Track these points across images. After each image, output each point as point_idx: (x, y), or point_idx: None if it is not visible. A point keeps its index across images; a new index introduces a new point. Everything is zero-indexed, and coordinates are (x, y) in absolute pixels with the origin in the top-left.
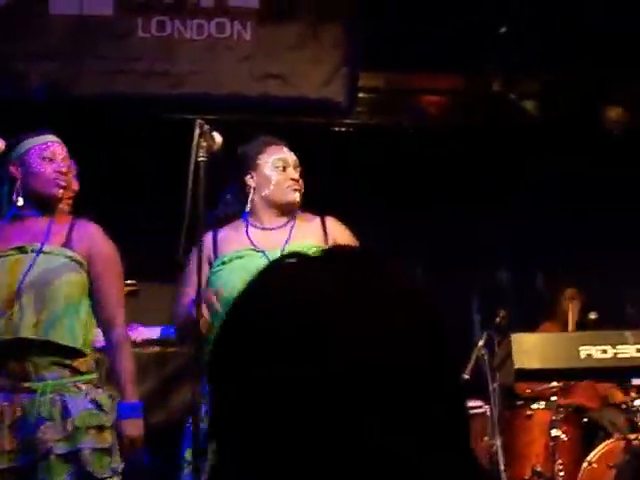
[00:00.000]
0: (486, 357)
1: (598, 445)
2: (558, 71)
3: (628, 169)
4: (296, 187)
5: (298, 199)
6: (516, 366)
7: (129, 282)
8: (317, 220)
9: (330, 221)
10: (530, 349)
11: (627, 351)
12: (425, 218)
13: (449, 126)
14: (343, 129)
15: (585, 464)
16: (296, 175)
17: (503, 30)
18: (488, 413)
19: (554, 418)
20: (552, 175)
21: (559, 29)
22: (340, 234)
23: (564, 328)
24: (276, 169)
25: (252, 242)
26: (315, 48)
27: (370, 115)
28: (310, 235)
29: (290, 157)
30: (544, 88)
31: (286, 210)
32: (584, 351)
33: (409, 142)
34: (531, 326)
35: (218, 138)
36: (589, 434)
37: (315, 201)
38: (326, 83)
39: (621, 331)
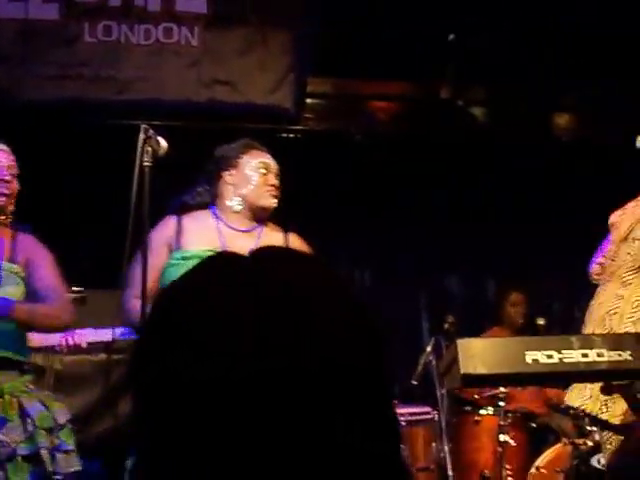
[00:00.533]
0: (434, 363)
1: (546, 450)
2: (507, 78)
3: (577, 175)
4: (274, 193)
5: (274, 205)
6: (462, 371)
7: (76, 289)
8: (281, 234)
9: (293, 237)
10: (476, 354)
11: (573, 356)
12: (374, 224)
13: (398, 133)
14: (291, 135)
15: (533, 469)
16: (276, 182)
17: (452, 37)
18: (436, 419)
19: (502, 423)
20: (501, 181)
21: (507, 36)
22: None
23: (511, 333)
24: (258, 171)
25: (223, 243)
26: (263, 54)
27: (318, 121)
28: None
29: (273, 164)
30: (492, 95)
31: (259, 214)
32: (530, 356)
33: (357, 148)
34: (480, 332)
35: (163, 143)
36: (537, 439)
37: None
38: (274, 89)
39: (567, 336)
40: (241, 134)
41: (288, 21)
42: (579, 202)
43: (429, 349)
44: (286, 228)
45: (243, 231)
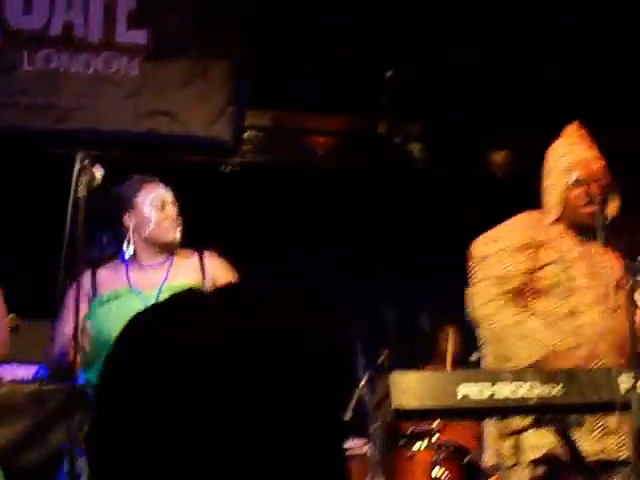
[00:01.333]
0: (367, 397)
1: None
2: (443, 114)
3: (512, 212)
4: (176, 225)
5: (179, 237)
6: (394, 405)
7: (10, 316)
8: (195, 256)
9: (208, 256)
10: (408, 388)
11: (505, 390)
12: (310, 255)
13: (335, 167)
14: (229, 168)
15: None
16: (175, 213)
17: (389, 73)
18: (369, 453)
19: (435, 458)
20: (439, 215)
21: (445, 72)
22: (218, 269)
23: (446, 368)
24: (154, 208)
25: (129, 282)
26: (203, 85)
27: (256, 154)
28: (188, 273)
29: (167, 194)
30: (429, 132)
31: (166, 249)
32: (462, 390)
33: (295, 181)
34: (417, 366)
35: (98, 173)
36: (470, 474)
37: (200, 239)
38: (213, 121)
39: (499, 370)
40: (180, 166)
41: (227, 53)
42: None
43: (363, 383)
44: (200, 249)
45: (151, 266)
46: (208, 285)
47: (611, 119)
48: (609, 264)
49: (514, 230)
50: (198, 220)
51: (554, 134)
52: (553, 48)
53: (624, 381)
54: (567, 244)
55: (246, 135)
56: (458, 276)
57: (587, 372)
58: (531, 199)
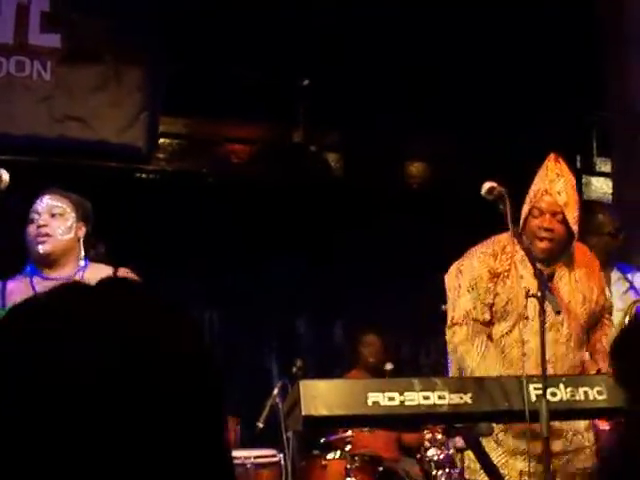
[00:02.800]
0: (280, 406)
1: None
2: (361, 125)
3: (427, 221)
4: (40, 239)
5: (46, 250)
6: (304, 413)
7: None
8: (109, 271)
9: (123, 273)
10: (318, 396)
11: (414, 398)
12: (225, 265)
13: (251, 175)
14: (143, 175)
15: None
16: (42, 224)
17: (306, 82)
18: (282, 462)
19: (349, 467)
20: (348, 224)
21: (362, 83)
22: None
23: (368, 375)
24: (29, 221)
25: (35, 292)
26: (116, 91)
27: (170, 161)
28: None
29: (41, 206)
30: (345, 141)
31: (43, 262)
32: (372, 398)
33: (210, 190)
34: (329, 375)
35: (5, 176)
36: None
37: (113, 245)
38: (126, 127)
39: (409, 378)
40: (92, 172)
41: (142, 59)
42: (429, 250)
43: (276, 392)
44: (116, 264)
45: (58, 279)
46: None
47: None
48: (572, 286)
49: (477, 261)
50: (110, 227)
51: (470, 147)
52: (468, 61)
53: (533, 389)
54: (526, 270)
55: (160, 142)
56: (374, 286)
57: (497, 380)
58: (446, 211)
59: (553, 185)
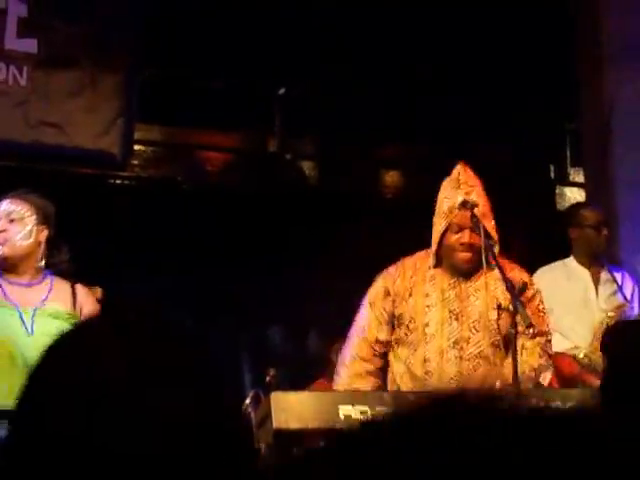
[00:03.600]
0: (253, 415)
1: None
2: (336, 133)
3: (402, 229)
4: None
5: (4, 254)
6: (274, 426)
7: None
8: (67, 286)
9: (80, 289)
10: (289, 408)
11: (385, 412)
12: (198, 273)
13: (226, 183)
14: (118, 181)
15: None
16: (1, 229)
17: (282, 91)
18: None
19: None
20: (327, 233)
21: (335, 91)
22: (87, 303)
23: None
24: None
25: (6, 296)
26: (92, 97)
27: (145, 169)
28: (61, 299)
29: (0, 210)
30: (321, 149)
31: (4, 267)
32: (343, 411)
33: (184, 197)
34: (303, 385)
35: None
36: None
37: (88, 254)
38: (102, 134)
39: (380, 392)
40: (66, 178)
41: (118, 65)
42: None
43: (248, 401)
44: (72, 281)
45: (31, 285)
46: (77, 312)
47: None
48: (488, 299)
49: (380, 279)
50: (83, 234)
51: (445, 156)
52: (443, 70)
53: None
54: (433, 288)
55: (136, 149)
56: (350, 295)
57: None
58: (421, 219)
59: (469, 198)
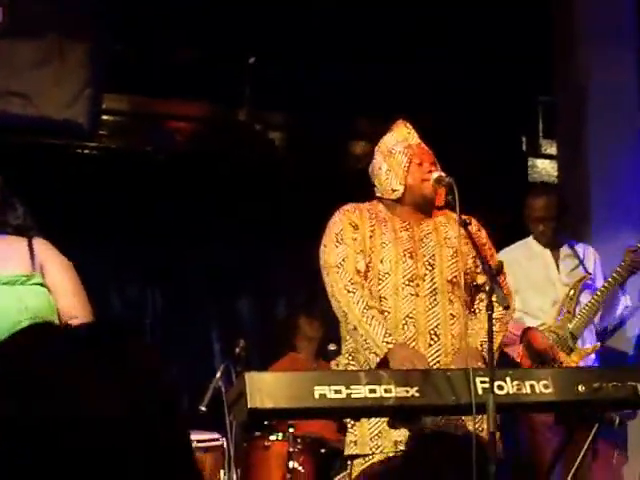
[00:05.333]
0: (223, 389)
1: (335, 476)
2: (306, 104)
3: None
4: None
5: None
6: (249, 405)
7: None
8: (24, 242)
9: (38, 243)
10: (264, 388)
11: (360, 391)
12: (168, 245)
13: (195, 153)
14: (86, 152)
15: None
16: None
17: (252, 60)
18: (225, 446)
19: (291, 450)
20: (296, 204)
21: (305, 62)
22: (48, 255)
23: (306, 358)
24: None
25: None
26: (59, 67)
27: (113, 139)
28: (15, 259)
29: None
30: (290, 120)
31: None
32: (318, 391)
33: (153, 167)
34: (273, 356)
35: None
36: (327, 465)
37: (54, 223)
38: (69, 104)
39: (355, 371)
40: (34, 148)
41: (86, 35)
42: None
43: (218, 375)
44: (29, 235)
45: None
46: (37, 271)
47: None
48: (440, 240)
49: (338, 217)
50: (51, 204)
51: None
52: (413, 40)
53: (480, 383)
54: (386, 229)
55: (103, 119)
56: (312, 265)
57: (444, 373)
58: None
59: (419, 140)
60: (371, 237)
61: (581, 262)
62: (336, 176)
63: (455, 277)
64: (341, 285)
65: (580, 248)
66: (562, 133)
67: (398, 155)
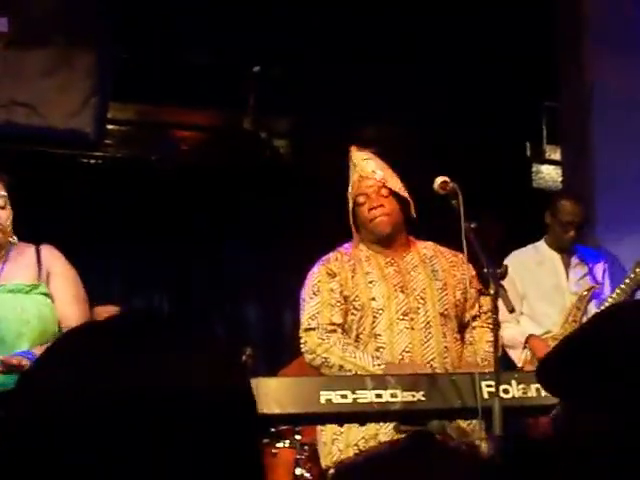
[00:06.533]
0: None
1: None
2: (311, 112)
3: None
4: None
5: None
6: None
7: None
8: (32, 250)
9: (46, 250)
10: (270, 393)
11: (367, 396)
12: (172, 252)
13: (200, 162)
14: (92, 161)
15: None
16: None
17: (257, 69)
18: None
19: (298, 457)
20: (301, 212)
21: (310, 69)
22: (54, 262)
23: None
24: None
25: None
26: (65, 76)
27: (119, 148)
28: (22, 269)
29: None
30: (295, 128)
31: None
32: (324, 396)
33: (159, 176)
34: (280, 364)
35: None
36: None
37: (60, 232)
38: (75, 113)
39: (361, 376)
40: (39, 158)
41: (92, 43)
42: None
43: None
44: (37, 242)
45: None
46: (43, 279)
47: None
48: (427, 273)
49: (316, 268)
50: (57, 215)
51: (419, 136)
52: (419, 49)
53: (486, 387)
54: (370, 266)
55: (109, 129)
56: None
57: (449, 378)
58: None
59: (365, 169)
60: (353, 277)
61: (590, 271)
62: (341, 182)
63: (446, 310)
64: (315, 339)
65: (591, 256)
66: (567, 137)
67: (348, 198)
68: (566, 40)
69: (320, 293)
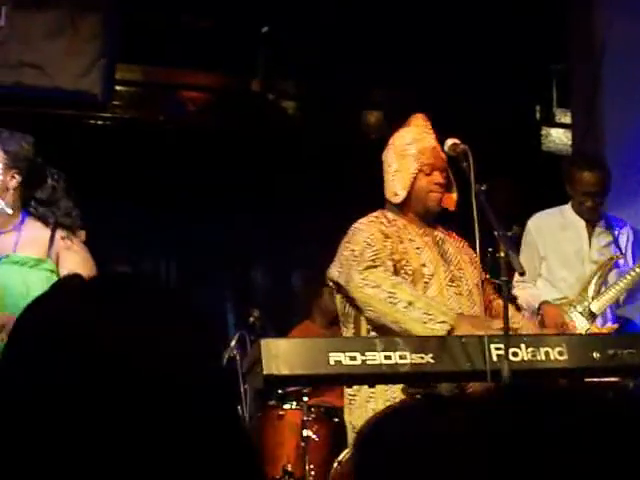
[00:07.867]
0: (238, 357)
1: (349, 445)
2: (318, 74)
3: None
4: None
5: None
6: (265, 372)
7: None
8: (47, 230)
9: (59, 237)
10: (279, 355)
11: (375, 358)
12: (179, 215)
13: (207, 123)
14: (99, 122)
15: (335, 464)
16: None
17: (265, 29)
18: (240, 414)
19: (305, 418)
20: (309, 174)
21: (319, 32)
22: (67, 248)
23: (323, 327)
24: None
25: None
26: (73, 38)
27: (127, 109)
28: (32, 244)
29: None
30: (303, 90)
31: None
32: (333, 357)
33: (166, 137)
34: (287, 325)
35: None
36: (340, 434)
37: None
38: (83, 74)
39: (370, 337)
40: (48, 119)
41: (99, 5)
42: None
43: (233, 344)
44: (55, 226)
45: (4, 232)
46: (51, 258)
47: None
48: (456, 248)
49: (365, 226)
50: (65, 175)
51: (429, 98)
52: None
53: (495, 349)
54: (411, 235)
55: (117, 90)
56: (332, 235)
57: (459, 340)
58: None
59: (436, 143)
60: (401, 242)
61: (615, 240)
62: (350, 145)
63: (478, 282)
64: (381, 273)
65: (617, 224)
66: (577, 101)
67: (409, 158)
68: (576, 2)
69: (376, 245)
